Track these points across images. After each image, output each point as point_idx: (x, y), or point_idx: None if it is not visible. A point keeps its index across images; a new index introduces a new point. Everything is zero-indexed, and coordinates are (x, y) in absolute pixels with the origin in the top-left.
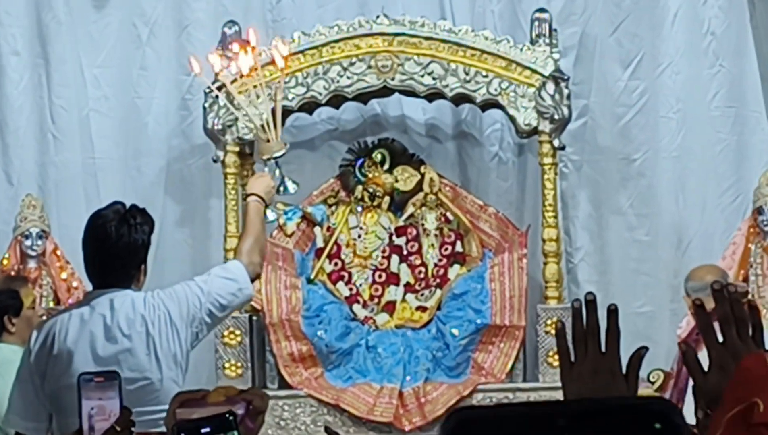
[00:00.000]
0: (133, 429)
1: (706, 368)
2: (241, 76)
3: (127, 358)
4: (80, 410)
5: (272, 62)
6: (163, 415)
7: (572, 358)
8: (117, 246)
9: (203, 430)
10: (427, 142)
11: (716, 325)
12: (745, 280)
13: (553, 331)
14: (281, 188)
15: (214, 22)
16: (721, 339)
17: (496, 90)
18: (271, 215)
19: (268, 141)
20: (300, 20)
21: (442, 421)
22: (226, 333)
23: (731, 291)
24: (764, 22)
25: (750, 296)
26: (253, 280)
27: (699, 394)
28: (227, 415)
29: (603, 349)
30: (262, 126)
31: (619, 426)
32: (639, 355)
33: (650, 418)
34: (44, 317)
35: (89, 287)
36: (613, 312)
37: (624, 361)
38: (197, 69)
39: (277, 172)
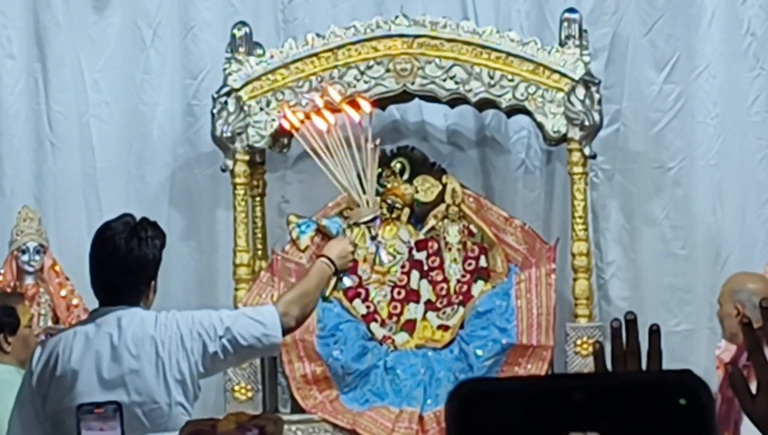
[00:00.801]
0: None
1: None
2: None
3: (134, 380)
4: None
5: (287, 66)
6: None
7: None
8: (126, 260)
9: None
10: (449, 150)
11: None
12: None
13: (583, 352)
14: (376, 258)
15: (223, 23)
16: None
17: (522, 95)
18: (347, 282)
19: (358, 205)
20: (313, 21)
21: (448, 394)
22: None
23: None
24: None
25: None
26: (285, 333)
27: (750, 419)
28: None
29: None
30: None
31: (642, 401)
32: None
33: (675, 393)
34: (42, 336)
35: (90, 305)
36: (655, 332)
37: None
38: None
39: (368, 239)
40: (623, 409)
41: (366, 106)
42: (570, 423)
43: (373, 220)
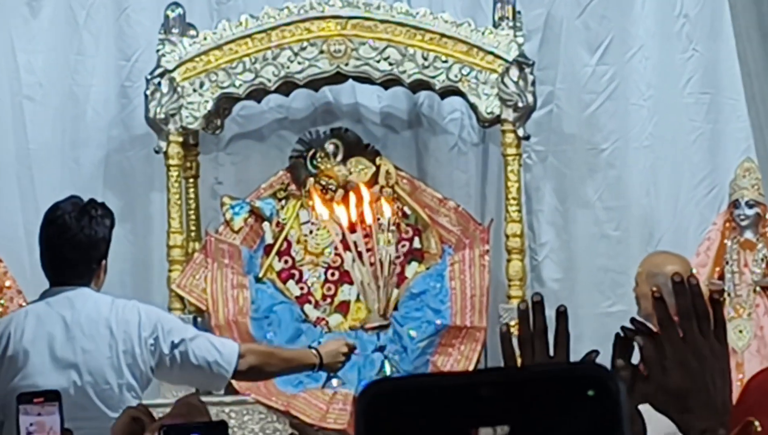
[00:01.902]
0: None
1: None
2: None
3: (86, 361)
4: (18, 427)
5: (221, 47)
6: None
7: (519, 363)
8: (77, 238)
9: None
10: (382, 131)
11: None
12: (721, 277)
13: (516, 332)
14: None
15: (156, 5)
16: (681, 334)
17: (456, 76)
18: (334, 382)
19: (370, 311)
20: (247, 2)
21: (357, 395)
22: None
23: (692, 283)
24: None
25: (726, 295)
26: (235, 374)
27: (660, 391)
28: (222, 425)
29: (552, 352)
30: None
31: (549, 394)
32: (589, 359)
33: (583, 385)
34: None
35: (23, 286)
36: (562, 314)
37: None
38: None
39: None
40: (532, 402)
41: (387, 211)
42: (480, 419)
43: (380, 327)
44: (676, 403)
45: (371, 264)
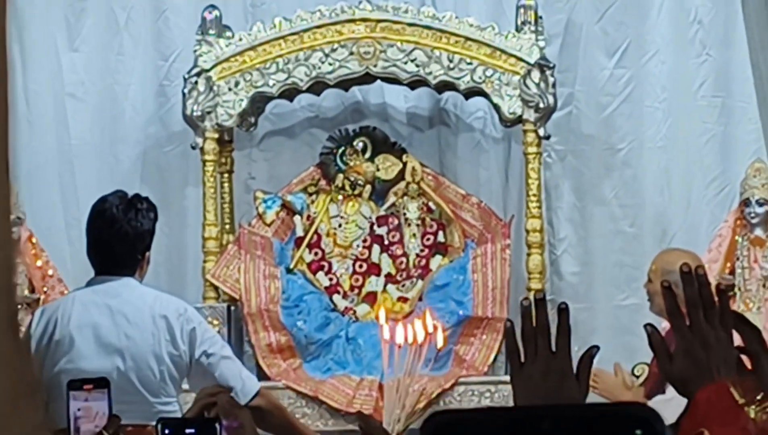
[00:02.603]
0: None
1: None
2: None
3: (130, 347)
4: (68, 411)
5: (255, 48)
6: (161, 408)
7: (522, 359)
8: (123, 230)
9: (188, 431)
10: (408, 130)
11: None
12: (731, 272)
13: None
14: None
15: (194, 7)
16: (688, 323)
17: (480, 78)
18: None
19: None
20: (280, 5)
21: (423, 421)
22: None
23: (700, 274)
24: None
25: (737, 289)
26: (249, 405)
27: (665, 378)
28: (214, 422)
29: (553, 348)
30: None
31: (602, 431)
32: (589, 354)
33: (632, 424)
34: (19, 306)
35: (64, 275)
36: (563, 311)
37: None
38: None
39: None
40: None
41: (440, 340)
42: None
43: None
44: (681, 389)
45: (397, 256)
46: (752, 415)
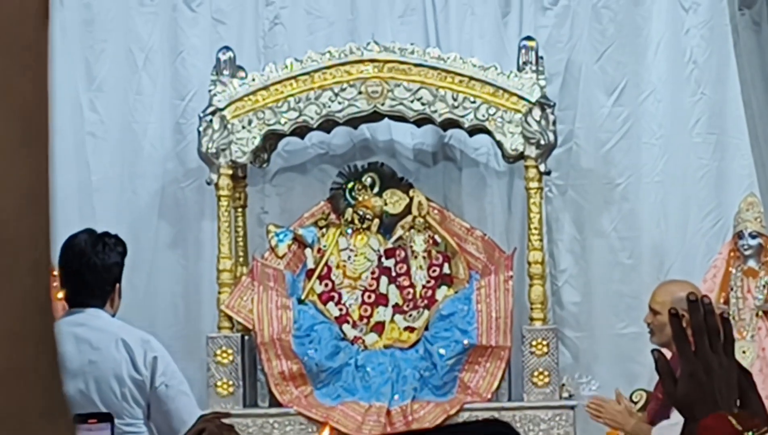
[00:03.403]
0: None
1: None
2: None
3: (93, 370)
4: None
5: (267, 87)
6: (125, 429)
7: (693, 347)
8: (92, 262)
9: None
10: (415, 166)
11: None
12: (726, 302)
13: (537, 352)
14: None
15: (209, 48)
16: (693, 348)
17: (483, 116)
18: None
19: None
20: (292, 47)
21: None
22: (218, 352)
23: (705, 302)
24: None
25: (731, 318)
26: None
27: (670, 401)
28: None
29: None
30: None
31: None
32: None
33: None
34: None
35: None
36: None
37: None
38: None
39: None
40: None
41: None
42: None
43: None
44: (684, 412)
45: (404, 287)
46: None
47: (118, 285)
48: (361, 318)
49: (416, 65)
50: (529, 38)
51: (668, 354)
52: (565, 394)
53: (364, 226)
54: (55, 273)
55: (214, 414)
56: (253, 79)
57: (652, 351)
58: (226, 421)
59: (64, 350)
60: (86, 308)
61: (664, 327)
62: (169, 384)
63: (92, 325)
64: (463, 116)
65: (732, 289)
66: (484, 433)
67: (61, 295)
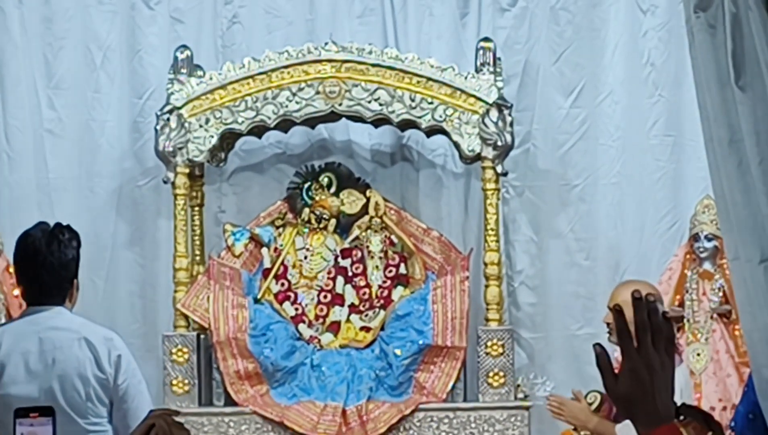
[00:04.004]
0: None
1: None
2: None
3: (56, 370)
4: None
5: (225, 87)
6: (90, 428)
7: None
8: (48, 262)
9: None
10: (372, 166)
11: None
12: (681, 304)
13: (493, 353)
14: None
15: (167, 47)
16: (636, 345)
17: (441, 116)
18: None
19: None
20: (250, 46)
21: None
22: (174, 350)
23: (650, 300)
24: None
25: (685, 321)
26: None
27: (610, 396)
28: None
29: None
30: None
31: None
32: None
33: None
34: None
35: None
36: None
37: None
38: None
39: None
40: None
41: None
42: None
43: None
44: (623, 408)
45: (360, 287)
46: None
47: (75, 280)
48: (317, 317)
49: (374, 65)
50: (486, 39)
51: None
52: (521, 395)
53: (321, 225)
54: (11, 270)
55: (164, 410)
56: (211, 78)
57: (594, 345)
58: (176, 418)
59: (28, 350)
60: (46, 306)
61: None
62: (130, 383)
63: (54, 324)
64: (420, 117)
65: (687, 292)
66: None
67: (17, 292)
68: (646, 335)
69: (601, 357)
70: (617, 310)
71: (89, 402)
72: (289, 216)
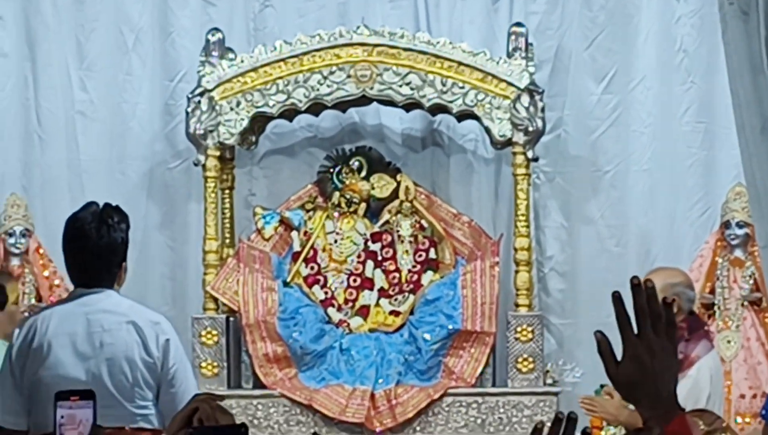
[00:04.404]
0: None
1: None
2: None
3: (104, 353)
4: (54, 418)
5: (256, 69)
6: (137, 411)
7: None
8: (98, 246)
9: None
10: (403, 150)
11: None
12: (712, 292)
13: (522, 338)
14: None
15: (199, 29)
16: (636, 332)
17: (472, 101)
18: None
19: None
20: (282, 29)
21: None
22: (203, 333)
23: (649, 286)
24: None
25: (716, 308)
26: None
27: (612, 382)
28: (241, 428)
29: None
30: None
31: None
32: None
33: None
34: (26, 314)
35: (71, 285)
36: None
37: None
38: None
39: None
40: None
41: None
42: None
43: None
44: (626, 393)
45: (390, 271)
46: None
47: (124, 263)
48: (346, 301)
49: (405, 50)
50: (518, 24)
51: None
52: (549, 381)
53: (351, 209)
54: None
55: (208, 395)
56: (242, 61)
57: (595, 332)
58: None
59: (76, 332)
60: (96, 289)
61: None
62: (179, 367)
63: (103, 306)
64: (451, 101)
65: (718, 279)
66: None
67: (47, 272)
68: (645, 320)
69: (602, 343)
70: (616, 297)
71: (136, 386)
72: (320, 199)
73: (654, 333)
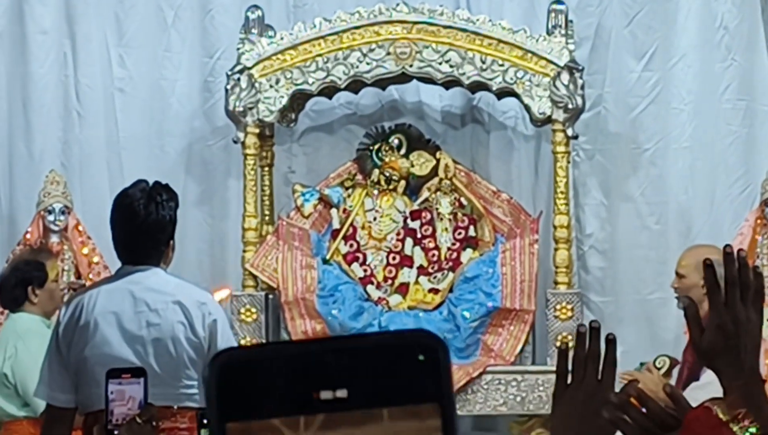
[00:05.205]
0: (156, 424)
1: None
2: None
3: (151, 333)
4: (106, 395)
5: (296, 47)
6: (183, 391)
7: (568, 380)
8: (146, 223)
9: None
10: (443, 128)
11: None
12: None
13: (561, 316)
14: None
15: (238, 7)
16: (724, 300)
17: (511, 79)
18: None
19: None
20: (322, 6)
21: (207, 364)
22: (242, 310)
23: (741, 256)
24: None
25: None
26: None
27: (695, 349)
28: None
29: (599, 376)
30: None
31: (385, 359)
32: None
33: (415, 351)
34: (65, 290)
35: (110, 262)
36: (611, 342)
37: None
38: None
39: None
40: (368, 367)
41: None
42: (321, 383)
43: None
44: (708, 362)
45: (429, 249)
46: (736, 430)
47: (171, 241)
48: (385, 279)
49: (445, 27)
50: (558, 2)
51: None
52: None
53: (390, 187)
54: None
55: None
56: (282, 38)
57: (684, 298)
58: None
59: (122, 310)
60: (142, 266)
61: (689, 290)
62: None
63: (150, 285)
64: (491, 79)
65: (758, 257)
66: (408, 342)
67: (86, 250)
68: (735, 290)
69: (690, 308)
70: (708, 265)
71: (182, 366)
72: (359, 177)
73: (742, 302)
